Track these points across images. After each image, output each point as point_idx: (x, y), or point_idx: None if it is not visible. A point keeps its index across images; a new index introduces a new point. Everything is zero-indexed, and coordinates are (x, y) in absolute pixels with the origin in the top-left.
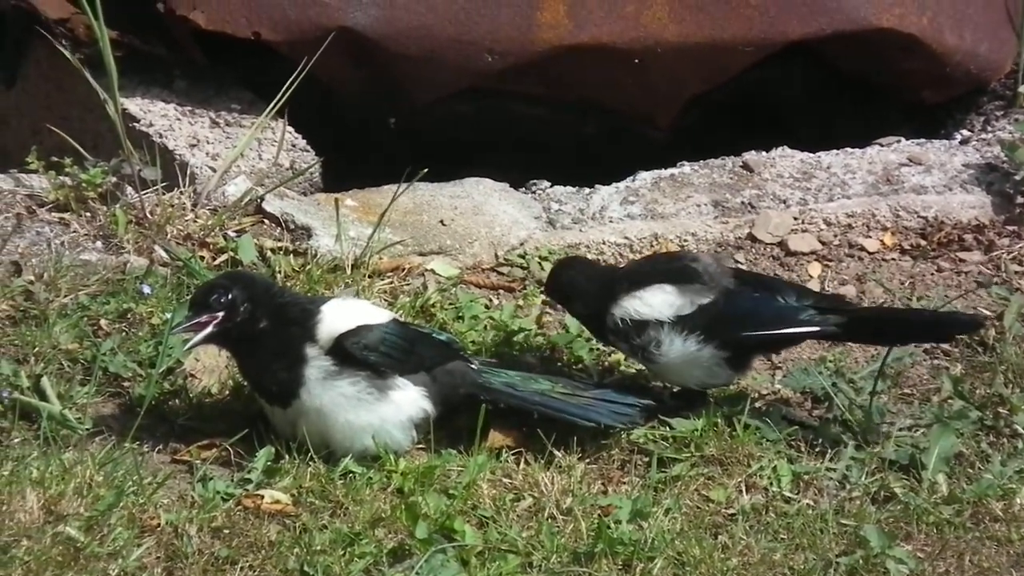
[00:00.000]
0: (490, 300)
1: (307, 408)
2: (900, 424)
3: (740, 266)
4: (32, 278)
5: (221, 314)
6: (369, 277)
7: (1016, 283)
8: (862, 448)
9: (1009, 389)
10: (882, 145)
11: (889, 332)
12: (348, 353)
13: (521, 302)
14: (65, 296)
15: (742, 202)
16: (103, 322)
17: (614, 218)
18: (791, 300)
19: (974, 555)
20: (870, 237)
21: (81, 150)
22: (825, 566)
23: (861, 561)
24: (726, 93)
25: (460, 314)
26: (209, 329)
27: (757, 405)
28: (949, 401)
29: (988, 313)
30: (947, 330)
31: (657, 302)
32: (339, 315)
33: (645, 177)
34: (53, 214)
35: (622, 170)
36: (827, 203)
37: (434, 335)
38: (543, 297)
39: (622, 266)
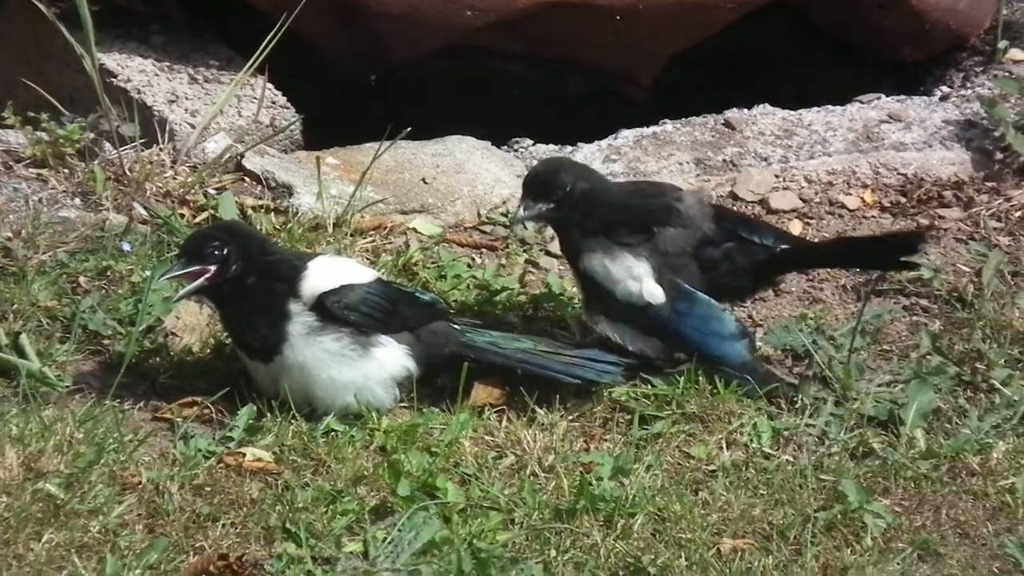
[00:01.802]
0: (472, 259)
1: (290, 364)
2: (879, 380)
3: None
4: (10, 235)
5: (214, 268)
6: (351, 235)
7: (995, 239)
8: (841, 404)
9: (987, 344)
10: (862, 102)
11: (836, 260)
12: (329, 311)
13: (504, 261)
14: (44, 253)
15: (724, 160)
16: (82, 279)
17: None
18: (768, 241)
19: (951, 509)
20: (850, 194)
21: (58, 105)
22: (804, 521)
23: (839, 516)
24: (708, 51)
25: (443, 273)
26: (200, 282)
27: None
28: (927, 357)
29: (966, 269)
30: (891, 252)
31: (617, 271)
32: (323, 272)
33: (627, 135)
34: (30, 170)
35: (604, 128)
36: (808, 161)
37: (418, 295)
38: (526, 256)
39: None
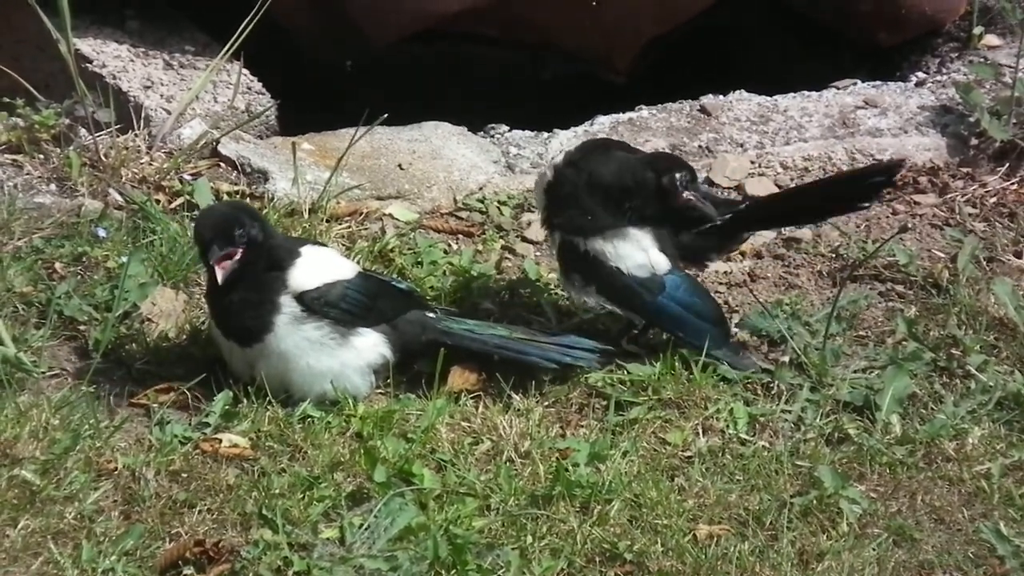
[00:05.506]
0: (449, 245)
1: (270, 350)
2: (855, 366)
3: None
4: None
5: (242, 249)
6: (326, 221)
7: (970, 225)
8: (817, 390)
9: (962, 330)
10: (838, 88)
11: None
12: (309, 307)
13: (480, 247)
14: (19, 239)
15: (700, 146)
16: (58, 265)
17: None
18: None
19: (926, 494)
20: None
21: (33, 91)
22: (780, 506)
23: (815, 501)
24: (684, 35)
25: (419, 259)
26: (234, 262)
27: None
28: (903, 343)
29: (941, 255)
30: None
31: (627, 247)
32: (310, 265)
33: (603, 121)
34: (6, 156)
35: (580, 114)
36: (784, 147)
37: (395, 284)
38: (502, 242)
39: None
